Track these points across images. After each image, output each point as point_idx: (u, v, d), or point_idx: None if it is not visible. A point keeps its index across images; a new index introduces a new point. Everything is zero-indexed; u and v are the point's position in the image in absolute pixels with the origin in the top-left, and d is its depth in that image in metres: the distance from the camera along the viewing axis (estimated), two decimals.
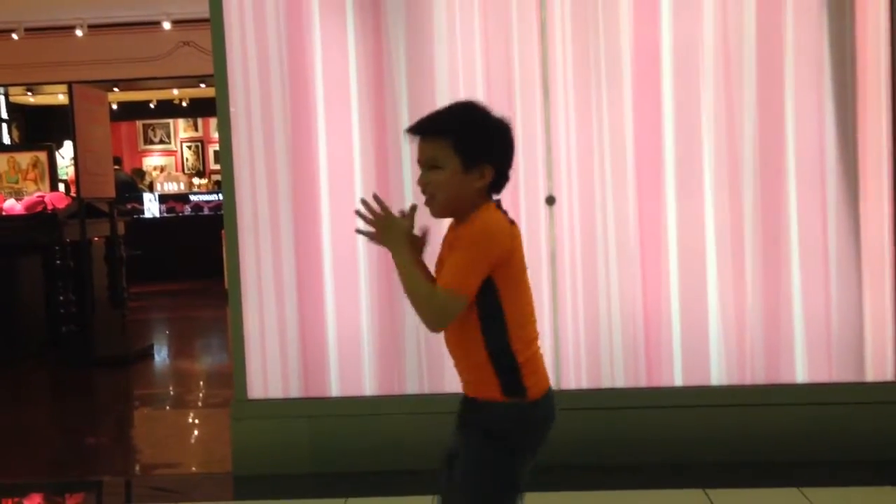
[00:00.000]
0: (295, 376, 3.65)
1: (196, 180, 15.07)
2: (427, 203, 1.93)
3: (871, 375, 3.51)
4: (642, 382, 3.57)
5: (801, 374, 3.53)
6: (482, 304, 1.87)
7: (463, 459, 1.93)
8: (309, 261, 3.64)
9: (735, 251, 3.53)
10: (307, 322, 3.65)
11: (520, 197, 3.55)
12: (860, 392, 3.49)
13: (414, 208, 1.96)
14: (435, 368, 3.62)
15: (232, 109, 3.60)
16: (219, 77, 3.57)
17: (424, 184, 1.91)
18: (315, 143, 3.62)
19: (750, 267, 3.52)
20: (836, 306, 3.51)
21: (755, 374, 3.54)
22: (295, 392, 3.65)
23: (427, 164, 1.91)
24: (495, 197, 1.95)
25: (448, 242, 1.93)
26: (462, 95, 3.56)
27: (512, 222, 1.94)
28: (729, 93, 3.50)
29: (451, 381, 3.59)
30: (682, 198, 3.53)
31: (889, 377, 3.49)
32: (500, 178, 1.94)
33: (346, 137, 3.62)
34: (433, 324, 1.87)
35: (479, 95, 3.56)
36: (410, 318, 3.60)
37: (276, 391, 3.64)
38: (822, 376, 3.52)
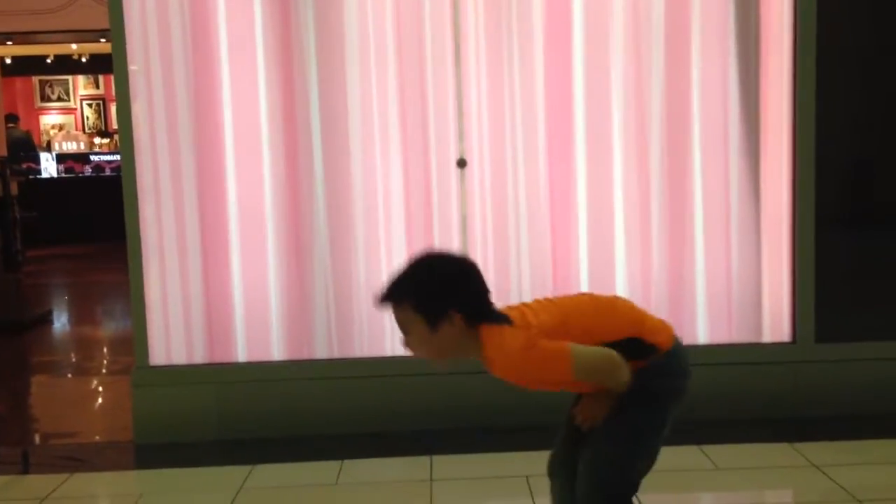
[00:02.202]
0: (199, 342, 3.56)
1: (98, 140, 14.49)
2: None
3: (768, 336, 3.63)
4: None
5: (702, 335, 3.62)
6: None
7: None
8: (214, 222, 3.54)
9: (642, 217, 3.58)
10: (212, 286, 3.56)
11: (431, 160, 3.52)
12: (758, 352, 3.60)
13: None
14: (345, 332, 3.59)
15: (133, 68, 3.44)
16: (115, 31, 3.41)
17: (410, 348, 1.95)
18: (219, 101, 3.51)
19: (656, 232, 3.58)
20: (736, 270, 3.61)
21: None
22: (200, 358, 3.56)
23: (401, 329, 1.94)
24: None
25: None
26: (373, 59, 3.49)
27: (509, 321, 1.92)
28: (638, 60, 3.53)
29: (360, 345, 3.58)
30: (592, 163, 3.56)
31: (785, 338, 3.62)
32: (481, 307, 1.93)
33: (252, 96, 3.51)
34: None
35: (390, 58, 3.50)
36: (320, 280, 3.55)
37: (179, 357, 3.55)
38: (722, 337, 3.62)
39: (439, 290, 1.92)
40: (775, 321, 3.63)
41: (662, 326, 2.06)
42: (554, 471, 2.15)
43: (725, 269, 3.60)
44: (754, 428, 3.43)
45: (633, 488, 2.04)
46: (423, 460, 3.22)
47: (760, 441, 3.32)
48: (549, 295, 3.51)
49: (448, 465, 3.18)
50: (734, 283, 3.61)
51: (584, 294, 2.31)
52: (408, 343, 1.95)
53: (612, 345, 1.92)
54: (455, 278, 1.95)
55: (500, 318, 1.92)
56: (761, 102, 3.56)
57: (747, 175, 3.58)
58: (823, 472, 3.00)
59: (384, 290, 1.95)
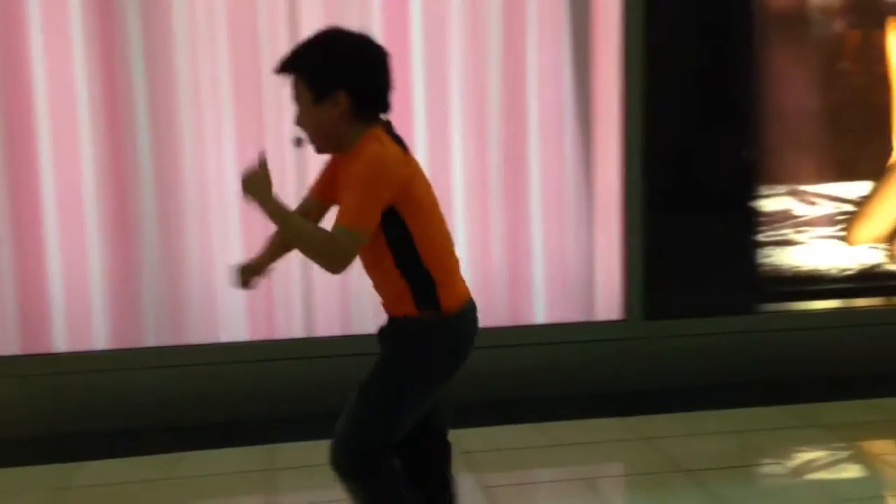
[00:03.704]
0: (11, 331, 3.28)
1: None
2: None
3: (601, 315, 3.75)
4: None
5: (539, 314, 3.69)
6: (388, 230, 1.85)
7: (373, 367, 1.95)
8: (25, 203, 3.27)
9: (480, 200, 3.60)
10: (26, 272, 3.28)
11: (266, 139, 3.38)
12: (590, 330, 3.71)
13: (264, 158, 1.87)
14: (176, 318, 3.41)
15: None
16: None
17: (295, 123, 1.91)
18: (28, 80, 3.22)
19: (494, 215, 3.61)
20: (570, 250, 3.70)
21: (497, 315, 3.64)
22: (12, 349, 3.28)
23: (294, 101, 1.90)
24: (384, 118, 1.92)
25: (341, 180, 1.88)
26: (199, 28, 3.31)
27: (405, 149, 1.90)
28: (476, 42, 3.53)
29: (193, 333, 3.41)
30: (432, 149, 3.53)
31: (616, 316, 3.74)
32: (375, 99, 1.89)
33: (67, 70, 3.25)
34: (335, 266, 1.82)
35: (221, 29, 3.33)
36: (148, 265, 3.36)
37: None
38: (558, 317, 3.71)
39: (331, 64, 1.87)
40: (607, 300, 3.74)
41: (458, 291, 2.00)
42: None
43: (560, 251, 3.68)
44: (587, 403, 3.53)
45: (380, 450, 1.92)
46: (264, 449, 3.11)
47: (593, 416, 3.42)
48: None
49: (291, 453, 3.08)
50: (569, 265, 3.70)
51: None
52: (296, 118, 1.91)
53: (412, 270, 1.89)
54: (351, 57, 1.89)
55: (390, 128, 1.92)
56: (593, 90, 3.65)
57: (580, 160, 3.67)
58: (653, 444, 3.13)
59: (282, 58, 1.91)
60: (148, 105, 3.31)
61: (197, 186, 3.37)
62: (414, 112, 3.51)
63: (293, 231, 1.85)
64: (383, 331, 2.01)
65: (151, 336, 3.40)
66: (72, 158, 3.29)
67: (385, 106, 1.93)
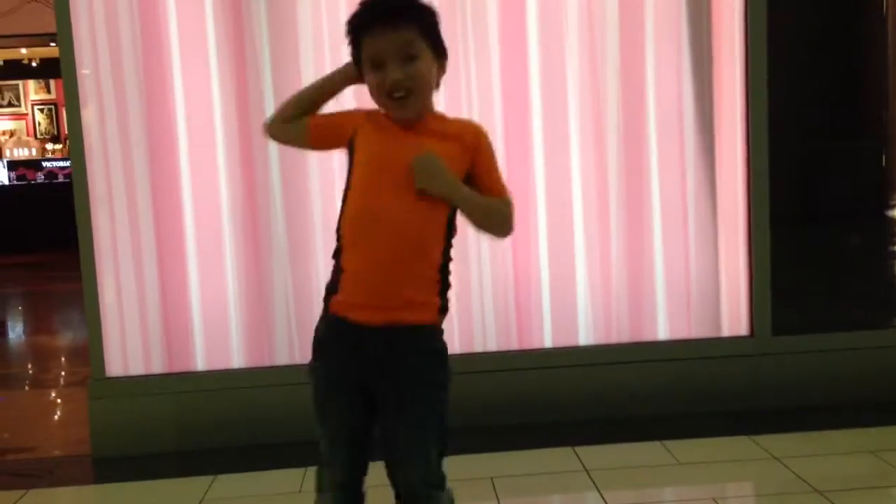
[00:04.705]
0: (157, 351, 3.50)
1: (50, 146, 14.23)
2: (399, 101, 1.74)
3: (727, 331, 3.67)
4: (514, 345, 3.61)
5: (662, 331, 3.65)
6: (453, 209, 1.79)
7: (417, 386, 1.77)
8: (169, 229, 3.48)
9: (600, 215, 3.59)
10: (169, 294, 3.50)
11: None
12: (717, 347, 3.63)
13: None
14: (305, 337, 3.54)
15: (84, 71, 3.38)
16: (62, 34, 3.34)
17: (402, 79, 1.71)
18: (172, 105, 3.44)
19: (614, 230, 3.60)
20: (694, 265, 3.64)
21: (620, 333, 3.63)
22: (158, 368, 3.50)
23: (399, 54, 1.71)
24: None
25: (448, 150, 1.76)
26: (327, 54, 3.46)
27: None
28: (592, 52, 3.54)
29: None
30: (550, 163, 3.56)
31: (743, 332, 3.66)
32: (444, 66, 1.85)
33: (206, 99, 3.45)
34: (510, 231, 1.86)
35: (346, 57, 3.46)
36: (280, 284, 3.51)
37: (136, 367, 3.48)
38: (682, 333, 3.65)
39: (438, 19, 1.79)
40: (733, 316, 3.66)
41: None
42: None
43: (684, 266, 3.63)
44: (715, 422, 3.46)
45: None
46: None
47: (721, 435, 3.35)
48: (511, 299, 3.56)
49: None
50: (692, 280, 3.64)
51: None
52: (408, 74, 1.71)
53: (448, 263, 1.80)
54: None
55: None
56: (715, 101, 3.58)
57: (703, 173, 3.61)
58: (784, 464, 3.03)
59: (384, 4, 1.74)
60: None
61: (323, 210, 3.50)
62: (532, 127, 3.55)
63: (482, 209, 1.80)
64: (396, 346, 1.77)
65: (283, 354, 3.55)
66: (210, 188, 3.47)
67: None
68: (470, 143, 1.80)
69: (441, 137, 1.78)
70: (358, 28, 1.77)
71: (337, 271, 1.84)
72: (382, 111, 1.82)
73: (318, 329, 1.89)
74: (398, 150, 1.77)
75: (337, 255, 1.86)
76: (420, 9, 1.77)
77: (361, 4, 1.80)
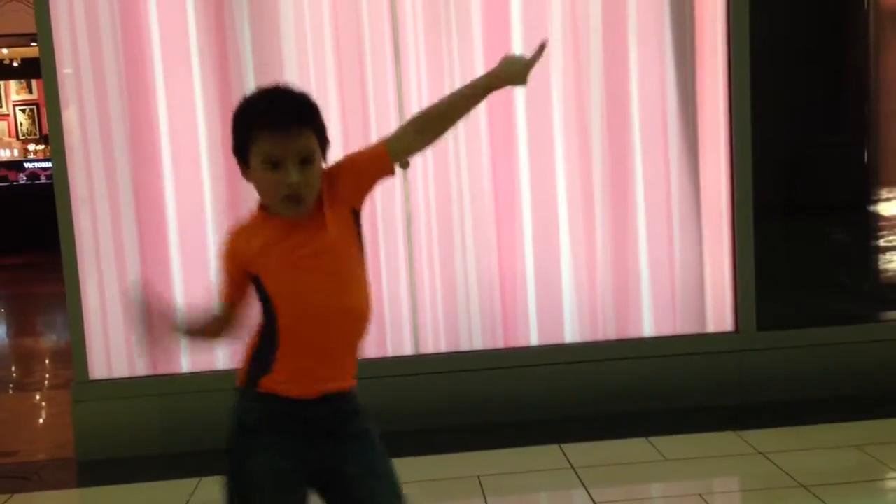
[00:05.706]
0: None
1: (32, 146, 14.11)
2: (295, 203, 1.63)
3: (712, 327, 3.68)
4: (500, 344, 3.61)
5: (647, 328, 3.66)
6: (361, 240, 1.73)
7: (373, 445, 1.74)
8: (152, 229, 3.46)
9: (585, 212, 3.60)
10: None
11: None
12: (702, 343, 3.65)
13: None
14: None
15: (68, 71, 3.35)
16: (42, 35, 3.32)
17: (300, 182, 1.62)
18: (154, 104, 3.43)
19: (599, 227, 3.61)
20: (678, 262, 3.65)
21: (606, 330, 3.64)
22: (142, 370, 3.48)
23: (298, 157, 1.63)
24: None
25: (336, 213, 1.68)
26: (311, 59, 3.45)
27: None
28: (577, 53, 3.54)
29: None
30: (535, 158, 3.57)
31: (728, 328, 3.67)
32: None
33: (188, 97, 3.44)
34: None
35: (329, 56, 3.46)
36: None
37: (120, 370, 3.47)
38: (667, 329, 3.66)
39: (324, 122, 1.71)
40: (718, 312, 3.67)
41: None
42: None
43: (668, 264, 3.64)
44: (700, 417, 3.47)
45: None
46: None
47: (706, 430, 3.36)
48: (497, 298, 3.56)
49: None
50: (677, 277, 3.65)
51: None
52: (305, 180, 1.62)
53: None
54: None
55: None
56: (698, 101, 3.60)
57: (687, 171, 3.62)
58: (769, 459, 3.05)
59: (289, 107, 1.66)
60: None
61: None
62: (517, 127, 3.55)
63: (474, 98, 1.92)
64: (341, 413, 1.72)
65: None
66: (194, 188, 3.46)
67: None
68: (337, 186, 1.71)
69: (328, 205, 1.69)
70: (257, 125, 1.69)
71: (268, 353, 1.73)
72: (258, 212, 1.74)
73: (243, 410, 1.77)
74: (304, 241, 1.67)
75: (268, 338, 1.73)
76: (314, 110, 1.71)
77: (260, 98, 1.73)
